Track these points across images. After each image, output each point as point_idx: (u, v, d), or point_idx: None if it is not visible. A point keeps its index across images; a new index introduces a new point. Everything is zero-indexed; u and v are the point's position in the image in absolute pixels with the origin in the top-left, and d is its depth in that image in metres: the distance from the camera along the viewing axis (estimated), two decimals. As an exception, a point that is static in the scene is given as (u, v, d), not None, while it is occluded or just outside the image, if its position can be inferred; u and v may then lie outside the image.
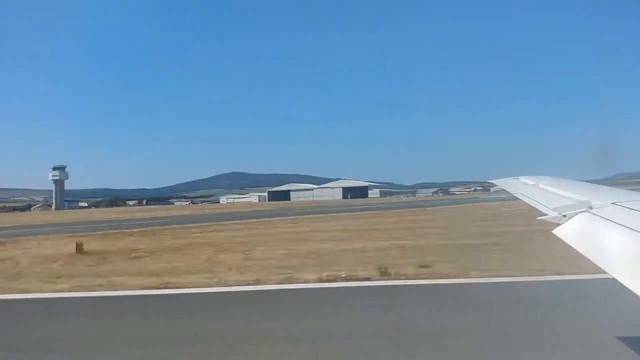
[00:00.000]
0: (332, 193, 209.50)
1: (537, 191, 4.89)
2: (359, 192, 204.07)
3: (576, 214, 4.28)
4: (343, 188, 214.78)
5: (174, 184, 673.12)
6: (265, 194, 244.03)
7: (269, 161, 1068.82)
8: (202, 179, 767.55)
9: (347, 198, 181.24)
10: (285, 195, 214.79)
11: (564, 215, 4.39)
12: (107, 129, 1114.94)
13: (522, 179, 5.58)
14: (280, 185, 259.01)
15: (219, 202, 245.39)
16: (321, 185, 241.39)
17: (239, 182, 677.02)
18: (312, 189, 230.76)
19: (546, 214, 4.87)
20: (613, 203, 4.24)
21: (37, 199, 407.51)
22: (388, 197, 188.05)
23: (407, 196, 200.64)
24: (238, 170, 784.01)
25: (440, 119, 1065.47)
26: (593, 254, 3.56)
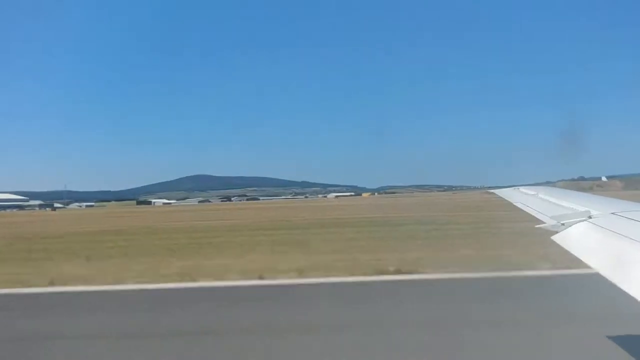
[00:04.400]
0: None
1: (537, 201, 5.11)
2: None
3: (575, 223, 4.47)
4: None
5: (137, 186, 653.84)
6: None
7: (234, 163, 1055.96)
8: (167, 181, 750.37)
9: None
10: None
11: (563, 224, 4.58)
12: (72, 129, 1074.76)
13: (522, 189, 5.83)
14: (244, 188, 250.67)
15: None
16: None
17: (203, 184, 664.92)
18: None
19: (545, 222, 5.06)
20: (612, 213, 4.45)
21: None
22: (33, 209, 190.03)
23: (41, 209, 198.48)
24: (203, 173, 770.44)
25: (405, 126, 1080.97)
26: (593, 261, 3.76)
